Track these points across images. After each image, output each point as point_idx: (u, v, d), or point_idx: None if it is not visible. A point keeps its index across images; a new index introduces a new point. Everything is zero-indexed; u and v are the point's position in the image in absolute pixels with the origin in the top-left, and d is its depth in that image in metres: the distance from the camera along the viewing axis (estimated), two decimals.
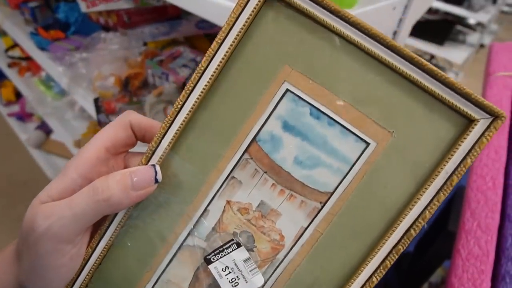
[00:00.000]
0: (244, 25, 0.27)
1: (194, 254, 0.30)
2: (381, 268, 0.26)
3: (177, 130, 0.29)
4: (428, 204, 0.26)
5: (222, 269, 0.28)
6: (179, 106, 0.28)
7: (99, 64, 1.04)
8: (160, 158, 0.29)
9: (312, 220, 0.28)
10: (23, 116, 1.94)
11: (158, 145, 0.29)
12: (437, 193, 0.26)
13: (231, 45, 0.27)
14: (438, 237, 0.50)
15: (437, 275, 0.59)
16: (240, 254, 0.28)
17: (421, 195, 0.26)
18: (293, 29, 0.27)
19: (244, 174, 0.30)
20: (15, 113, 1.98)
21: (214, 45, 0.27)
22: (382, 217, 0.27)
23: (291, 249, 0.29)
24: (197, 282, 0.30)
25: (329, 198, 0.28)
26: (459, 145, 0.25)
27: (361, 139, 0.27)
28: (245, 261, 0.28)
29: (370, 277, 0.26)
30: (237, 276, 0.28)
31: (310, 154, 0.29)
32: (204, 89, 0.28)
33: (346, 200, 0.28)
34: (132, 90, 0.99)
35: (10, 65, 1.69)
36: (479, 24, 3.03)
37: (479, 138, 0.24)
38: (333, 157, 0.28)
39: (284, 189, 0.29)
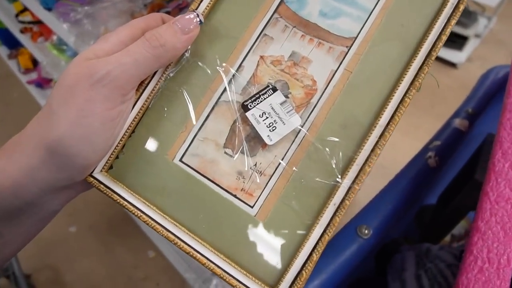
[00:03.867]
0: None
1: (230, 108, 0.31)
2: (407, 97, 0.28)
3: None
4: (442, 30, 0.28)
5: (259, 115, 0.30)
6: None
7: (104, 20, 1.03)
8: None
9: (341, 62, 0.30)
10: (42, 83, 1.92)
11: (197, 7, 0.31)
12: (448, 20, 0.28)
13: None
14: (464, 186, 0.47)
15: (460, 227, 0.58)
16: (276, 98, 0.30)
17: (433, 26, 0.28)
18: None
19: (275, 31, 0.31)
20: (34, 80, 1.95)
21: None
22: (402, 52, 0.29)
23: (324, 92, 0.30)
24: (234, 135, 0.31)
25: (353, 42, 0.30)
26: None
27: None
28: (281, 104, 0.30)
29: (398, 107, 0.28)
30: (275, 120, 0.29)
31: (332, 6, 0.31)
32: None
33: (370, 41, 0.30)
34: None
35: (22, 31, 1.66)
36: None
37: None
38: (353, 7, 0.31)
39: (313, 38, 0.31)
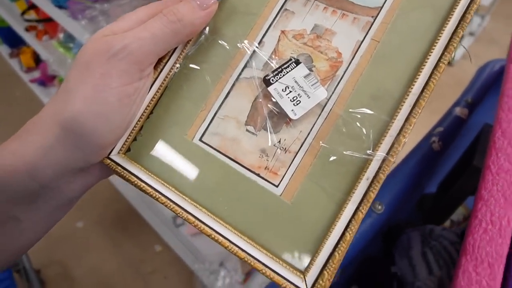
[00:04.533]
0: None
1: (251, 84, 0.29)
2: (441, 62, 0.26)
3: None
4: None
5: (282, 89, 0.28)
6: None
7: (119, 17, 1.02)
8: None
9: (367, 32, 0.28)
10: (45, 81, 1.90)
11: None
12: None
13: None
14: (464, 173, 0.49)
15: (458, 214, 0.60)
16: (300, 71, 0.28)
17: None
18: None
19: (296, 5, 0.30)
20: (36, 79, 1.93)
21: None
22: (433, 18, 0.27)
23: (350, 63, 0.28)
24: (256, 112, 0.29)
25: (379, 11, 0.28)
26: None
27: None
28: (305, 76, 0.28)
29: (432, 73, 0.26)
30: (299, 94, 0.28)
31: None
32: None
33: (397, 9, 0.28)
34: None
35: (27, 29, 1.64)
36: None
37: None
38: None
39: (336, 10, 0.29)
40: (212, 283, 1.22)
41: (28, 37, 1.64)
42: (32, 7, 1.56)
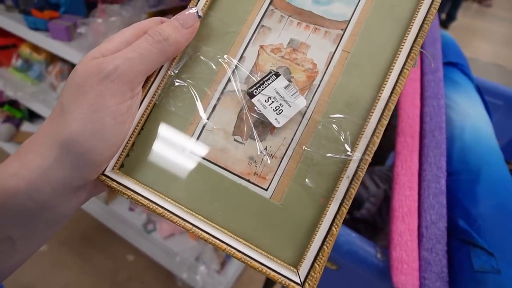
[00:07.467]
0: None
1: (235, 97, 0.30)
2: (405, 68, 0.28)
3: None
4: (431, 4, 0.28)
5: (265, 100, 0.29)
6: None
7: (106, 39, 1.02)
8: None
9: (338, 44, 0.30)
10: None
11: (196, 3, 0.31)
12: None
13: None
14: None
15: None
16: (280, 83, 0.29)
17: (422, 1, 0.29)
18: None
19: (272, 21, 0.31)
20: None
21: None
22: (396, 29, 0.29)
23: (325, 73, 0.30)
24: (242, 123, 0.30)
25: (348, 24, 0.30)
26: None
27: None
28: (285, 87, 0.29)
29: (398, 79, 0.28)
30: (280, 104, 0.29)
31: None
32: None
33: (363, 22, 0.30)
34: None
35: None
36: None
37: None
38: None
39: (309, 24, 0.31)
40: (192, 278, 1.22)
41: None
42: None
